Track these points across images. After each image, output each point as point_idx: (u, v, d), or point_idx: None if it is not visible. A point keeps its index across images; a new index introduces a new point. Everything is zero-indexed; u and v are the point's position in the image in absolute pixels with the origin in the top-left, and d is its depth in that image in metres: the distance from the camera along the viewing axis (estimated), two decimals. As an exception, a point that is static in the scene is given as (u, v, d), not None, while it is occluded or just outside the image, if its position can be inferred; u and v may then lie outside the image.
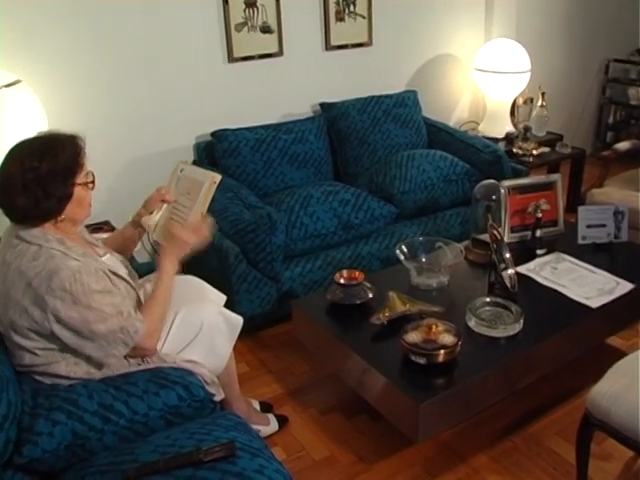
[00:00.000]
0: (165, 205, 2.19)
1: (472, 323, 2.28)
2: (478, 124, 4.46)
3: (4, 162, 1.78)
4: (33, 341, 1.79)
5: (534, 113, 4.19)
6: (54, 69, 3.05)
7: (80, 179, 1.83)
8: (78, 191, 1.82)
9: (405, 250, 2.66)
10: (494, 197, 2.85)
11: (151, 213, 2.20)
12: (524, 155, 3.99)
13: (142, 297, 2.02)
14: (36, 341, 1.79)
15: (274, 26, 3.57)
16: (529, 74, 4.17)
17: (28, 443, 1.66)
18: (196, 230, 2.04)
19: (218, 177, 2.08)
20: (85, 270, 1.76)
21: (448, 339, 2.10)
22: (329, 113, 3.70)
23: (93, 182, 1.89)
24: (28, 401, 1.78)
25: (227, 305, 2.26)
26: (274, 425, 2.46)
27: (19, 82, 2.67)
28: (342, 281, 2.49)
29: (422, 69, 4.25)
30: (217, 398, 2.01)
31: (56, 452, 1.68)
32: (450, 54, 4.35)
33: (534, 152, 4.01)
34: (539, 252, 2.80)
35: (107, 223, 3.16)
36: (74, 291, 1.72)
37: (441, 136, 3.88)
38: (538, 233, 2.83)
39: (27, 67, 2.93)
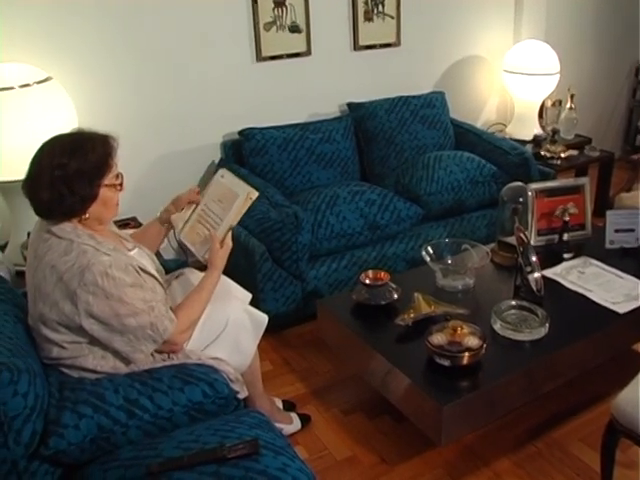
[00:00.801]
0: (195, 206, 2.20)
1: (497, 326, 2.26)
2: (506, 126, 4.42)
3: (37, 155, 1.80)
4: (61, 334, 1.81)
5: (563, 115, 4.14)
6: (84, 67, 3.08)
7: (108, 180, 1.84)
8: (104, 192, 1.84)
9: (431, 251, 2.65)
10: (521, 200, 2.82)
11: (181, 211, 2.21)
12: (552, 158, 3.94)
13: (169, 294, 2.03)
14: (64, 334, 1.81)
15: (303, 25, 3.57)
16: (558, 76, 4.13)
17: (54, 435, 1.67)
18: (221, 243, 2.06)
19: (255, 193, 2.06)
20: (116, 265, 1.78)
21: (473, 342, 2.09)
22: (356, 113, 3.69)
23: (122, 184, 1.90)
24: (55, 394, 1.79)
25: (252, 303, 2.26)
26: (297, 424, 2.46)
27: (50, 79, 2.70)
28: (367, 281, 2.48)
29: (450, 70, 4.23)
30: (241, 396, 2.01)
31: (81, 445, 1.70)
32: (478, 55, 4.31)
33: (562, 155, 3.97)
34: (566, 256, 2.77)
35: (134, 219, 3.19)
36: (106, 286, 1.74)
37: (468, 138, 3.85)
38: (565, 237, 2.80)
39: (58, 64, 2.96)
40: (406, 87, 3.93)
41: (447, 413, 1.94)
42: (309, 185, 3.43)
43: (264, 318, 2.19)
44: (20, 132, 2.53)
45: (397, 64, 3.98)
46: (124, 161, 1.92)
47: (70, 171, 1.75)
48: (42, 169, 1.76)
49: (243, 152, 3.39)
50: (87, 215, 1.84)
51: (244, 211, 2.07)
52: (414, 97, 3.79)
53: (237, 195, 2.07)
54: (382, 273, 2.51)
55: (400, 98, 3.76)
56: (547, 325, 2.24)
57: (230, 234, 2.07)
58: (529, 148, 4.00)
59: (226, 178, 2.16)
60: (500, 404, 2.11)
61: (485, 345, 2.07)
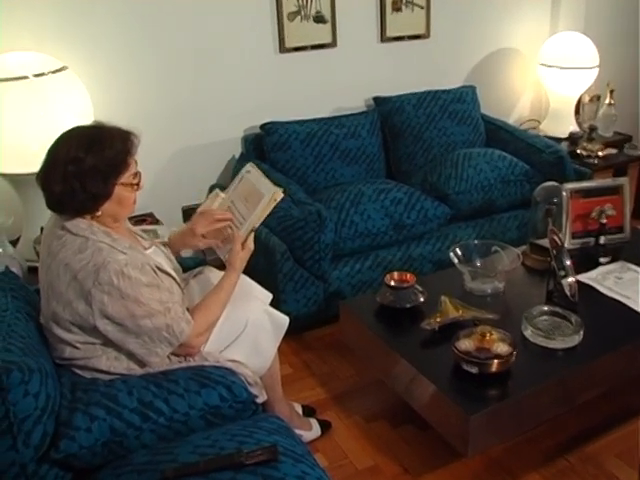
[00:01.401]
0: (221, 200, 2.20)
1: (528, 332, 2.24)
2: (540, 123, 4.38)
3: (53, 145, 1.81)
4: (75, 334, 1.82)
5: (601, 112, 4.09)
6: (101, 57, 3.10)
7: (124, 179, 1.84)
8: (119, 191, 1.83)
9: (459, 253, 2.63)
10: (555, 200, 2.79)
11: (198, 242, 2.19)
12: (588, 156, 3.89)
13: (186, 293, 2.04)
14: (78, 334, 1.82)
15: (328, 16, 3.56)
16: (597, 70, 4.08)
17: (65, 438, 1.68)
18: (243, 244, 2.06)
19: (280, 194, 2.05)
20: (132, 264, 1.78)
21: (502, 348, 2.07)
22: (383, 108, 3.68)
23: (139, 183, 1.89)
24: (67, 395, 1.81)
25: (272, 304, 2.26)
26: (316, 430, 2.45)
27: (65, 69, 2.72)
28: (392, 283, 2.47)
29: (482, 63, 4.19)
30: (260, 400, 2.02)
31: (93, 448, 1.70)
32: (512, 48, 4.27)
33: (599, 153, 3.91)
34: (602, 260, 2.73)
35: (151, 215, 3.20)
36: (122, 286, 1.75)
37: (500, 134, 3.82)
38: (602, 240, 2.76)
39: (74, 54, 2.99)
40: (435, 81, 3.91)
41: (474, 423, 1.93)
42: (333, 182, 3.42)
43: (285, 320, 2.18)
44: (34, 123, 2.55)
45: (426, 57, 3.95)
46: (141, 154, 1.92)
47: (85, 167, 1.75)
48: (56, 161, 1.77)
49: (264, 147, 3.40)
50: (100, 212, 1.84)
51: (268, 212, 2.06)
52: (443, 91, 3.77)
53: (262, 195, 2.06)
54: (408, 275, 2.50)
55: (429, 92, 3.74)
56: (581, 333, 2.21)
57: (252, 236, 2.07)
58: (564, 146, 3.95)
59: (252, 174, 2.16)
60: (530, 415, 2.09)
61: (515, 352, 2.05)
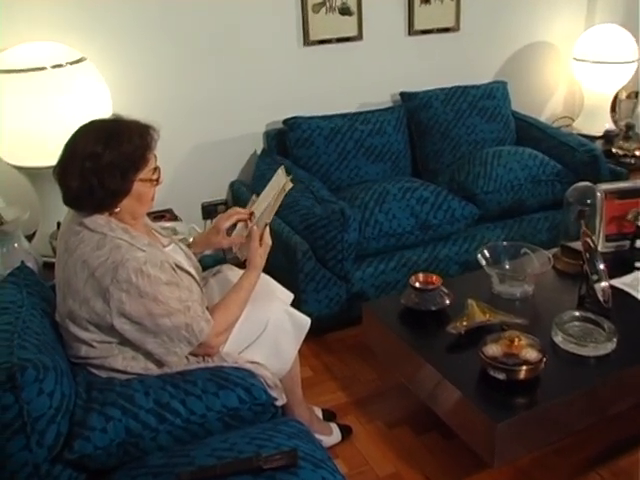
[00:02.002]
0: (250, 203, 2.22)
1: (559, 339, 2.22)
2: (573, 120, 4.35)
3: (70, 140, 1.82)
4: (91, 333, 1.83)
5: (639, 109, 4.04)
6: (120, 49, 3.12)
7: (143, 175, 1.84)
8: (138, 186, 1.84)
9: (487, 255, 2.62)
10: (588, 201, 2.77)
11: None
12: (625, 156, 3.85)
13: (205, 292, 2.05)
14: (94, 333, 1.83)
15: (354, 7, 3.56)
16: (635, 64, 4.03)
17: (79, 438, 1.68)
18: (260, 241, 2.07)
19: (289, 184, 2.08)
20: (151, 261, 1.79)
21: (531, 354, 2.05)
22: (410, 103, 3.67)
23: (158, 179, 1.90)
24: (82, 394, 1.82)
25: (293, 304, 2.27)
26: (337, 435, 2.45)
27: (84, 60, 2.73)
28: (417, 285, 2.47)
29: (513, 58, 4.16)
30: (279, 403, 2.02)
31: (108, 449, 1.71)
32: (545, 42, 4.24)
33: (637, 153, 3.87)
34: (638, 264, 2.70)
35: (169, 211, 3.23)
36: (140, 284, 1.76)
37: (531, 132, 3.79)
38: (638, 243, 2.73)
39: (93, 44, 3.01)
40: (464, 76, 3.89)
41: (501, 431, 1.91)
42: (357, 180, 3.42)
43: (306, 321, 2.18)
44: (51, 115, 2.57)
45: (455, 51, 3.94)
46: (160, 149, 1.92)
47: (102, 163, 1.76)
48: (74, 156, 1.78)
49: (287, 143, 3.41)
50: (118, 209, 1.85)
51: (279, 204, 2.08)
52: (473, 87, 3.75)
53: (272, 188, 2.09)
54: (433, 277, 2.50)
55: (457, 88, 3.72)
56: (615, 340, 2.19)
57: (268, 230, 2.08)
58: (599, 145, 3.91)
59: (278, 172, 2.18)
60: (560, 425, 2.07)
61: (545, 359, 2.04)
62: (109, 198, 1.81)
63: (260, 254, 2.06)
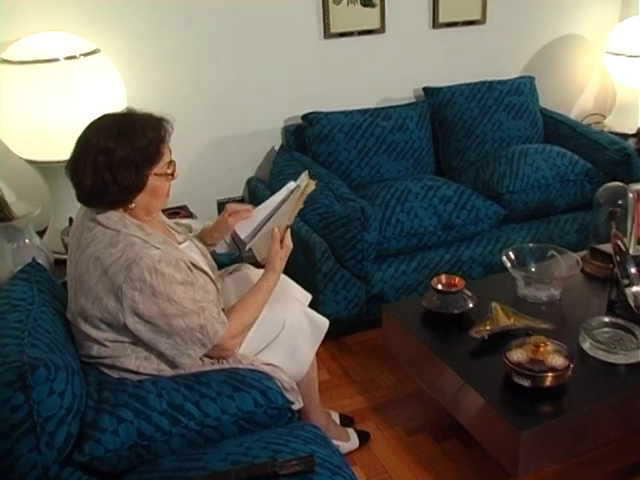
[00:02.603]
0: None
1: (587, 345, 2.21)
2: (604, 117, 4.32)
3: (82, 135, 1.83)
4: (103, 332, 1.84)
5: (673, 106, 4.02)
6: (136, 39, 3.14)
7: (158, 169, 1.85)
8: (153, 181, 1.85)
9: (512, 257, 2.61)
10: (620, 202, 2.75)
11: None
12: (658, 155, 3.82)
13: (221, 291, 2.05)
14: (106, 332, 1.84)
15: (377, -1, 3.55)
16: (671, 60, 4.00)
17: (90, 440, 1.69)
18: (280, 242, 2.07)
19: (311, 186, 2.09)
20: (166, 260, 1.79)
21: (558, 361, 2.04)
22: (433, 99, 3.67)
23: (173, 173, 1.91)
24: (93, 394, 1.83)
25: (311, 305, 2.27)
26: (354, 441, 2.45)
27: (98, 51, 2.75)
28: (440, 287, 2.46)
29: (542, 52, 4.14)
30: (296, 407, 2.02)
31: (119, 452, 1.71)
32: (576, 34, 4.21)
33: (670, 152, 3.84)
34: (671, 268, 2.68)
35: (184, 208, 3.23)
36: (154, 282, 1.76)
37: (560, 129, 3.77)
38: (671, 246, 2.71)
39: (107, 36, 3.02)
40: (490, 71, 3.88)
41: (526, 440, 1.90)
42: (378, 177, 3.42)
43: (325, 322, 2.18)
44: (64, 108, 2.59)
45: (481, 44, 3.92)
46: (175, 144, 1.93)
47: (116, 158, 1.77)
48: (86, 152, 1.78)
49: (306, 138, 3.41)
50: (133, 205, 1.86)
51: (301, 205, 2.09)
52: (499, 82, 3.74)
53: (294, 191, 2.09)
54: (456, 278, 2.50)
55: (483, 83, 3.71)
56: (646, 347, 2.17)
57: (289, 233, 2.08)
58: (631, 143, 3.87)
59: (302, 175, 2.19)
60: (588, 435, 2.06)
61: (572, 366, 2.02)
62: (123, 194, 1.82)
63: (280, 257, 2.06)
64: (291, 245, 2.09)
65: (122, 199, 1.83)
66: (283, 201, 2.16)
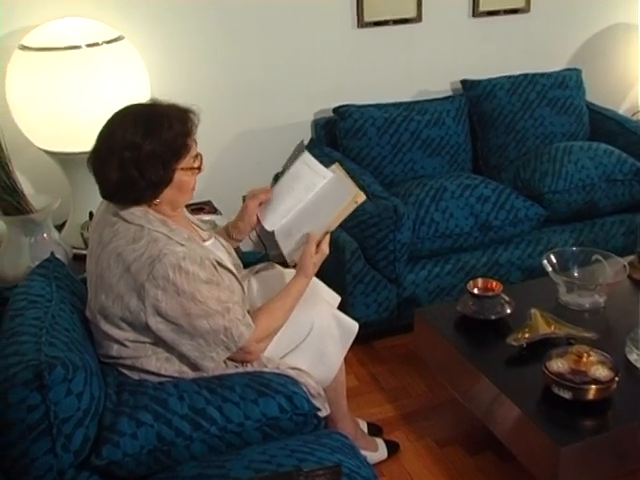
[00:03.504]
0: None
1: (634, 357, 2.19)
2: (656, 113, 4.27)
3: (106, 127, 1.85)
4: (124, 331, 1.86)
5: None
6: (161, 28, 3.16)
7: (184, 163, 1.87)
8: (180, 176, 1.86)
9: (554, 261, 2.60)
10: (671, 204, 2.72)
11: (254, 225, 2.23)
12: None
13: (246, 291, 2.06)
14: (127, 332, 1.86)
15: (414, -14, 3.55)
16: None
17: (108, 443, 1.70)
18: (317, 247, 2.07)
19: (362, 197, 2.08)
20: (190, 257, 1.80)
21: (602, 372, 2.03)
22: (472, 92, 3.65)
23: (200, 167, 1.93)
24: (112, 396, 1.84)
25: (339, 308, 2.28)
26: (382, 452, 2.45)
27: (122, 38, 2.77)
28: (476, 291, 2.46)
29: (590, 42, 4.10)
30: (322, 414, 2.02)
31: (138, 457, 1.73)
32: (627, 23, 4.14)
33: None
34: None
35: (208, 203, 3.25)
36: (178, 281, 1.77)
37: (608, 126, 3.73)
38: None
39: (131, 22, 3.04)
40: (534, 62, 3.85)
41: (566, 456, 1.89)
42: (412, 174, 3.42)
43: (354, 326, 2.19)
44: (85, 98, 2.62)
45: (524, 34, 3.89)
46: (200, 137, 1.95)
47: (143, 153, 1.78)
48: (111, 146, 1.80)
49: (337, 133, 3.41)
50: (158, 200, 1.88)
51: (346, 215, 2.09)
52: (542, 75, 3.71)
53: (343, 196, 2.09)
54: (493, 283, 2.49)
55: (525, 76, 3.68)
56: (699, 361, 2.15)
57: (327, 238, 2.08)
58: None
59: (336, 174, 2.19)
60: (633, 454, 2.03)
61: (617, 378, 2.01)
62: (151, 190, 1.83)
63: (314, 262, 2.05)
64: (327, 251, 2.08)
65: (149, 195, 1.85)
66: (308, 188, 2.16)
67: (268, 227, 2.18)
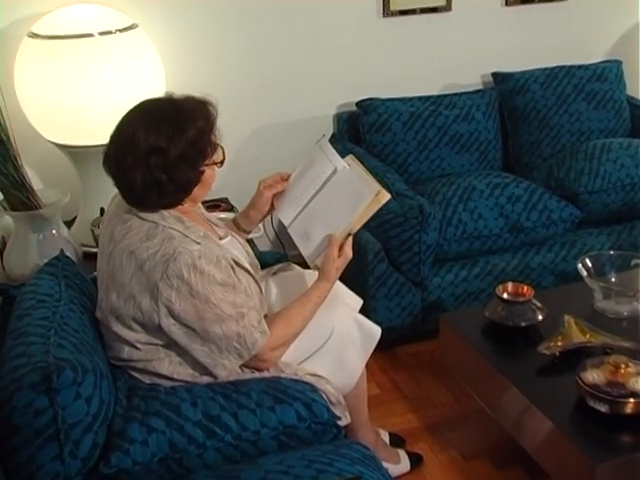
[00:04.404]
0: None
1: (675, 368, 2.17)
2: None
3: (125, 127, 1.84)
4: (136, 333, 1.87)
5: None
6: (177, 15, 3.17)
7: (210, 159, 1.89)
8: (207, 172, 1.90)
9: (589, 265, 2.59)
10: None
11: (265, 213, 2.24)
12: None
13: (264, 293, 2.06)
14: (139, 333, 1.87)
15: (443, -28, 3.56)
16: None
17: (118, 450, 1.71)
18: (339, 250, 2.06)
19: (386, 196, 2.06)
20: (206, 256, 1.81)
21: (641, 385, 2.02)
22: (503, 86, 3.65)
23: (223, 161, 1.94)
24: (122, 401, 1.86)
25: (360, 312, 2.28)
26: (405, 464, 2.45)
27: (135, 27, 2.79)
28: (505, 296, 2.45)
29: (632, 32, 4.06)
30: (342, 422, 2.02)
31: (148, 465, 1.74)
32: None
33: None
34: None
35: (225, 200, 3.26)
36: (192, 281, 1.78)
37: (650, 122, 3.72)
38: None
39: (146, 10, 3.06)
40: (570, 54, 3.82)
41: (602, 474, 1.88)
42: (438, 172, 3.42)
43: (377, 331, 2.19)
44: (97, 88, 2.63)
45: (560, 23, 3.87)
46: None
47: (170, 158, 1.79)
48: (134, 150, 1.79)
49: (360, 127, 3.42)
50: None
51: (370, 215, 2.07)
52: (580, 67, 3.69)
53: (364, 195, 2.07)
54: (524, 287, 2.48)
55: (561, 68, 3.67)
56: None
57: (350, 241, 2.07)
58: None
59: (353, 168, 2.17)
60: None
61: (658, 391, 2.00)
62: (180, 192, 1.86)
63: (337, 266, 2.04)
64: (350, 255, 2.07)
65: (179, 198, 1.87)
66: (326, 181, 2.15)
67: (281, 217, 2.19)
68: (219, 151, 1.93)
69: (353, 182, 2.11)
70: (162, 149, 1.78)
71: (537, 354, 2.25)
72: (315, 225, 2.13)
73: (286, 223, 2.19)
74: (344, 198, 2.10)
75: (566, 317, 2.33)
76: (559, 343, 2.25)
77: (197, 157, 1.84)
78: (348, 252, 2.06)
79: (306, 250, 2.13)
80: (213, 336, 1.83)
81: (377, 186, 2.07)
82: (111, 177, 1.87)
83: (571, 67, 3.68)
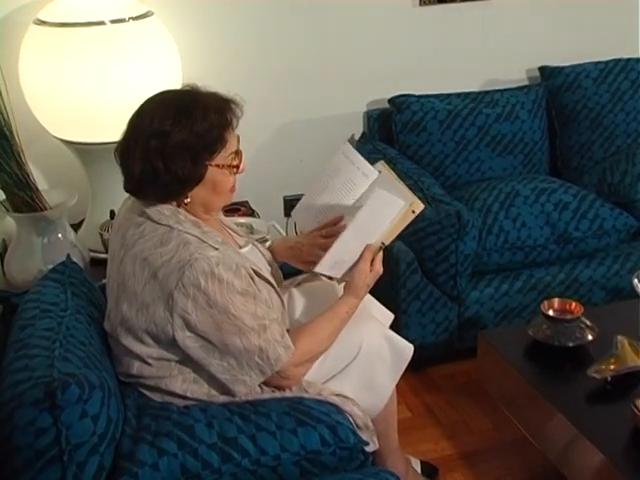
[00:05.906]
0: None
1: None
2: None
3: (136, 113, 1.88)
4: (147, 347, 1.88)
5: None
6: (194, 3, 3.19)
7: (220, 159, 1.89)
8: (214, 174, 1.88)
9: (645, 280, 2.57)
10: None
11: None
12: None
13: (286, 305, 2.07)
14: (151, 347, 1.88)
15: (486, -44, 3.56)
16: None
17: (126, 474, 1.71)
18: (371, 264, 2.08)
19: (420, 206, 2.08)
20: (224, 263, 1.82)
21: (701, 415, 2.00)
22: (552, 81, 3.64)
23: (238, 166, 1.94)
24: (131, 420, 1.86)
25: (392, 327, 2.28)
26: (437, 496, 2.46)
27: (150, 15, 2.80)
28: (551, 313, 2.44)
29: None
30: (370, 448, 2.02)
31: (158, 491, 1.75)
32: None
33: None
34: None
35: (245, 204, 3.28)
36: (210, 289, 1.79)
37: None
38: None
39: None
40: (627, 46, 3.80)
41: (657, 511, 1.87)
42: (478, 176, 3.43)
43: (409, 349, 2.18)
44: (108, 80, 2.64)
45: (617, 12, 3.84)
46: (238, 129, 1.96)
47: (170, 143, 1.80)
48: (138, 133, 1.83)
49: (393, 126, 3.43)
50: (189, 199, 1.90)
51: (403, 227, 2.09)
52: (638, 61, 3.68)
53: (396, 205, 2.08)
54: (572, 304, 2.48)
55: (617, 62, 3.66)
56: None
57: (381, 255, 2.08)
58: None
59: (383, 175, 2.17)
60: None
61: None
62: (176, 185, 1.85)
63: (367, 282, 2.06)
64: (381, 270, 2.09)
65: (174, 191, 1.87)
66: (345, 185, 2.17)
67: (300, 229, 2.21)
68: (236, 156, 1.93)
69: (384, 191, 2.10)
70: (165, 132, 1.80)
71: (586, 378, 2.22)
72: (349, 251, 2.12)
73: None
74: (374, 209, 2.09)
75: (619, 337, 2.31)
76: (611, 366, 2.23)
77: (201, 150, 1.84)
78: (379, 268, 2.08)
79: (332, 267, 2.12)
80: (232, 350, 1.84)
81: (410, 195, 2.09)
82: (118, 163, 1.89)
83: (628, 60, 3.67)
